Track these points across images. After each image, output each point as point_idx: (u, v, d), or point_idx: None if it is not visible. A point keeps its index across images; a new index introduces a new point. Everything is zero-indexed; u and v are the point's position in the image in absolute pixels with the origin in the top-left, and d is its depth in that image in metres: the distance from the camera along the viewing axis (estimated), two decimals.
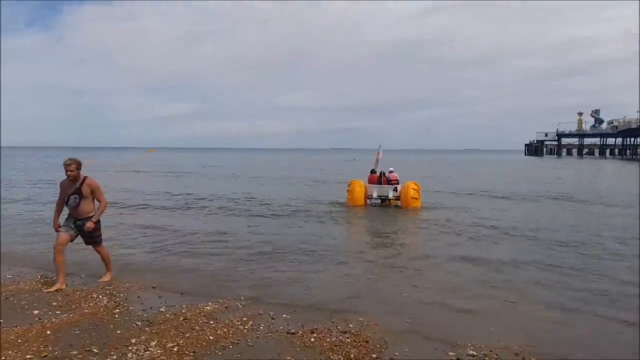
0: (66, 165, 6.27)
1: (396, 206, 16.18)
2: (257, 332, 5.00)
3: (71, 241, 6.56)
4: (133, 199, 18.30)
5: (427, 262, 8.26)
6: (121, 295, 6.19)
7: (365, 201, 16.22)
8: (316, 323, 5.25)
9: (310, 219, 13.47)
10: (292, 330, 5.03)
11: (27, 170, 37.58)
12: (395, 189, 16.04)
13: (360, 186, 16.16)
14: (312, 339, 4.81)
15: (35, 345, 4.43)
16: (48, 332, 4.76)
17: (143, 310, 5.61)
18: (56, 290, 6.23)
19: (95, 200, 6.55)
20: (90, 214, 6.47)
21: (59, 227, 6.51)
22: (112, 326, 5.03)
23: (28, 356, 4.19)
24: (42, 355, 4.23)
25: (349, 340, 4.78)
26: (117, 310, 5.55)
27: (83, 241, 6.69)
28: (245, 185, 25.43)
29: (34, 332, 4.76)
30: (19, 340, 4.53)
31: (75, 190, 6.33)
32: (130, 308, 5.67)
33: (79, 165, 6.32)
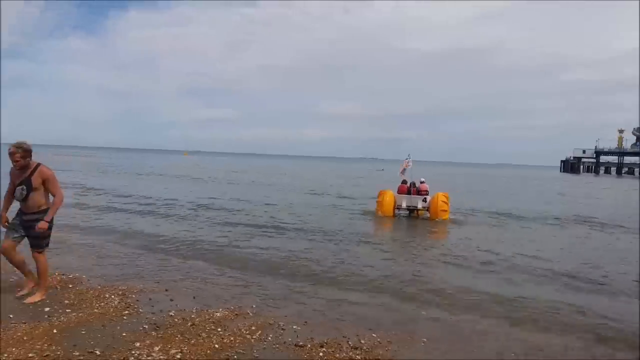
0: (10, 154, 5.28)
1: (424, 217, 15.98)
2: (265, 342, 4.82)
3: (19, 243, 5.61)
4: (156, 203, 18.57)
5: (447, 285, 7.77)
6: (133, 296, 6.13)
7: (394, 211, 16.11)
8: (326, 336, 5.04)
9: (333, 233, 12.97)
10: (301, 343, 4.83)
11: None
12: (425, 200, 15.91)
13: (390, 197, 16.11)
14: (321, 354, 4.60)
15: (39, 343, 4.39)
16: (55, 331, 4.71)
17: (152, 313, 5.52)
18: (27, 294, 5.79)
19: (48, 193, 5.57)
20: (42, 208, 5.48)
21: (7, 222, 5.64)
22: (119, 328, 4.95)
23: (30, 355, 4.14)
24: (44, 354, 4.17)
25: (359, 358, 4.54)
26: (127, 312, 5.48)
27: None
28: (269, 193, 25.46)
29: (40, 330, 4.72)
30: (25, 338, 4.49)
31: (23, 180, 5.37)
32: (140, 310, 5.60)
33: (26, 152, 5.31)
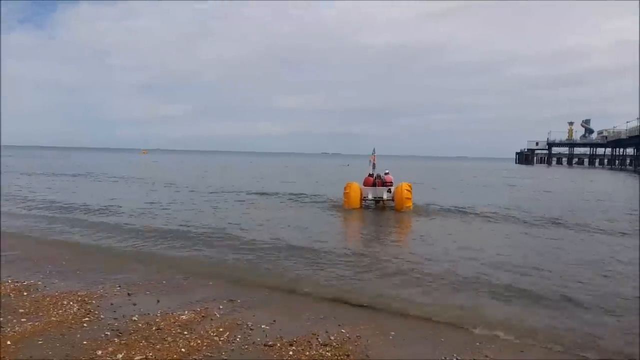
0: None
1: (390, 206, 16.34)
2: (233, 344, 4.74)
3: None
4: (111, 207, 17.96)
5: (411, 276, 7.92)
6: (93, 302, 5.90)
7: (361, 203, 16.48)
8: (296, 334, 5.01)
9: (300, 231, 12.92)
10: (270, 343, 4.78)
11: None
12: (390, 191, 16.39)
13: (356, 189, 16.60)
14: (290, 352, 4.57)
15: None
16: (8, 342, 4.48)
17: (114, 318, 5.33)
18: None
19: None
20: None
21: None
22: (78, 336, 4.75)
23: None
24: None
25: (329, 354, 4.54)
26: (87, 319, 5.27)
27: None
28: (239, 194, 25.05)
29: None
30: None
31: None
32: (101, 316, 5.39)
33: None
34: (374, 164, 17.83)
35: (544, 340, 5.16)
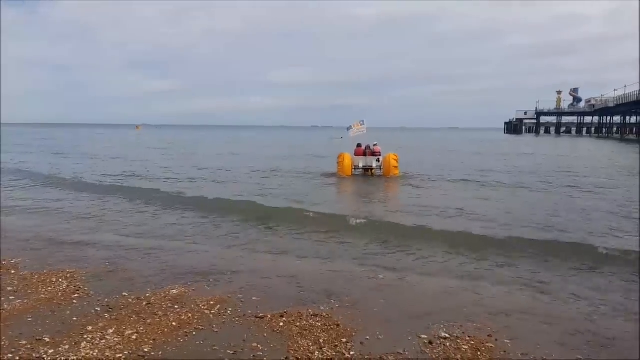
0: None
1: (378, 175, 17.82)
2: (224, 316, 4.78)
3: None
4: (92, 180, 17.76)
5: (403, 247, 8.02)
6: (83, 278, 5.88)
7: (352, 171, 18.20)
8: (287, 306, 5.06)
9: (295, 199, 13.11)
10: (261, 314, 4.82)
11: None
12: (378, 160, 18.07)
13: (348, 158, 18.34)
14: (281, 323, 4.61)
15: None
16: None
17: (104, 294, 5.33)
18: None
19: None
20: None
21: None
22: (68, 312, 4.75)
23: None
24: None
25: (319, 325, 4.60)
26: (76, 295, 5.26)
27: None
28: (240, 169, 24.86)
29: None
30: None
31: None
32: (91, 292, 5.39)
33: None
34: (350, 127, 19.49)
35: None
